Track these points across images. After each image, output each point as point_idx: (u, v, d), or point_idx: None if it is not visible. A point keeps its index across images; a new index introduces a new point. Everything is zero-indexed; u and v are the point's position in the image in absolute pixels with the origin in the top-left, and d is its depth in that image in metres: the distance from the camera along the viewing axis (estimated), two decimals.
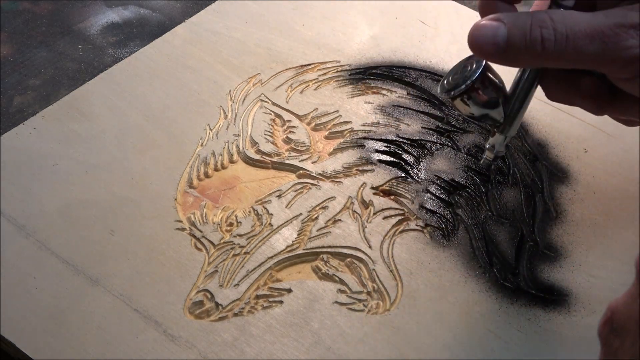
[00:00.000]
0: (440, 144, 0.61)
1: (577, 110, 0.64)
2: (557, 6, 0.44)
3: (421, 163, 0.59)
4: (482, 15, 0.46)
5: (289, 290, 0.51)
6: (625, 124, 0.51)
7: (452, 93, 0.46)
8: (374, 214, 0.56)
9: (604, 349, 0.36)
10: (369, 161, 0.59)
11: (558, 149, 0.61)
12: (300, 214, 0.55)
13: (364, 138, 0.61)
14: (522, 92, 0.47)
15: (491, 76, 0.46)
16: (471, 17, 0.73)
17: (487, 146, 0.50)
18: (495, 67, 0.46)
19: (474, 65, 0.46)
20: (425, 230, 0.55)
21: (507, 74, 0.48)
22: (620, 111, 0.48)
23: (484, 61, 0.46)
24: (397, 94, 0.65)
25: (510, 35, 0.42)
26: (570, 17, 0.41)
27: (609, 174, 0.60)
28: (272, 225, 0.55)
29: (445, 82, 0.47)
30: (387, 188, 0.57)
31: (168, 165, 0.58)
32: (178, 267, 0.52)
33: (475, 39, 0.43)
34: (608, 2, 0.43)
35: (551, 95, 0.48)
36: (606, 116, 0.51)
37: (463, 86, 0.46)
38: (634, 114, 0.47)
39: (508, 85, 0.48)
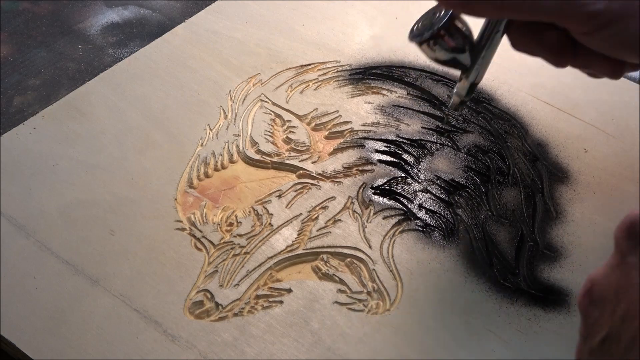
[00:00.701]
0: (440, 144, 0.61)
1: (577, 110, 0.65)
2: None
3: (421, 163, 0.59)
4: None
5: (289, 290, 0.51)
6: (589, 75, 0.52)
7: (419, 38, 0.48)
8: (374, 214, 0.56)
9: (584, 320, 0.36)
10: (369, 161, 0.59)
11: (558, 149, 0.61)
12: (300, 214, 0.55)
13: (364, 138, 0.61)
14: (488, 40, 0.49)
15: (458, 24, 0.48)
16: (471, 17, 0.73)
17: (454, 91, 0.52)
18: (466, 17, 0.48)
19: (442, 13, 0.48)
20: (425, 230, 0.55)
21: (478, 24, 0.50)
22: (582, 65, 0.49)
23: (451, 10, 0.48)
24: (397, 94, 0.65)
25: None
26: None
27: (609, 174, 0.60)
28: (272, 225, 0.55)
29: (414, 27, 0.49)
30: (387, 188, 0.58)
31: (168, 165, 0.58)
32: (178, 267, 0.52)
33: None
34: None
35: (516, 45, 0.49)
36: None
37: (429, 32, 0.48)
38: (594, 67, 0.48)
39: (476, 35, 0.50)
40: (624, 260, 0.34)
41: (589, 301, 0.36)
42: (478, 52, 0.49)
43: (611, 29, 0.43)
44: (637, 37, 0.44)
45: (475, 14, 0.46)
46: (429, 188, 0.58)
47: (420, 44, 0.48)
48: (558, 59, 0.48)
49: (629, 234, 0.34)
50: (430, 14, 0.49)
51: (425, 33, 0.48)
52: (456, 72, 0.68)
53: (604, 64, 0.47)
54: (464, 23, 0.48)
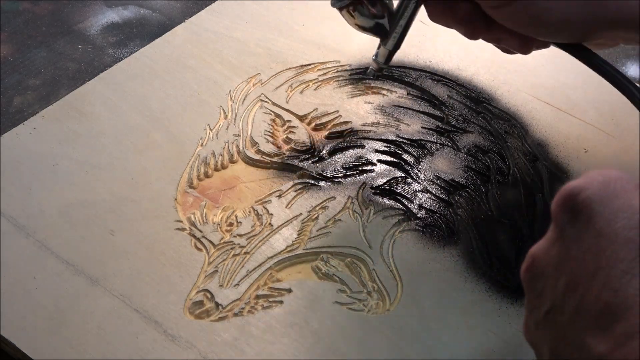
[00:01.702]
0: (440, 144, 0.61)
1: (577, 110, 0.65)
2: None
3: (421, 163, 0.59)
4: None
5: (289, 290, 0.51)
6: (503, 51, 0.53)
7: (340, 3, 0.50)
8: (374, 214, 0.56)
9: (527, 294, 0.36)
10: (369, 161, 0.59)
11: (558, 149, 0.61)
12: (300, 214, 0.55)
13: (364, 138, 0.61)
14: (405, 8, 0.51)
15: None
16: None
17: (373, 57, 0.54)
18: None
19: None
20: (425, 230, 0.55)
21: None
22: (493, 38, 0.50)
23: None
24: (397, 94, 0.65)
25: None
26: None
27: None
28: (272, 225, 0.55)
29: None
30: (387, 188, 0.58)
31: (168, 165, 0.58)
32: (178, 267, 0.52)
33: None
34: None
35: (431, 16, 0.50)
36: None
37: None
38: (505, 42, 0.50)
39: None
40: (562, 234, 0.34)
41: (531, 275, 0.36)
42: (397, 20, 0.51)
43: (516, 5, 0.45)
44: (540, 15, 0.45)
45: None
46: (429, 188, 0.58)
47: (340, 9, 0.50)
48: (471, 31, 0.50)
49: (565, 206, 0.34)
50: None
51: None
52: (456, 73, 0.68)
53: (513, 38, 0.49)
54: None
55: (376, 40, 0.69)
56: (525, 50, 0.50)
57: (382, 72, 0.56)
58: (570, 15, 0.45)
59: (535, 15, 0.45)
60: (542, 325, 0.35)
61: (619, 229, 0.32)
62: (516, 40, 0.49)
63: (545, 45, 0.51)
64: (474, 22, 0.49)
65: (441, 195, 0.57)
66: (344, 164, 0.59)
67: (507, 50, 0.52)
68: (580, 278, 0.33)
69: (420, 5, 0.51)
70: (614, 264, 0.31)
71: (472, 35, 0.50)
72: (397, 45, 0.53)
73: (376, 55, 0.54)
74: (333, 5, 0.51)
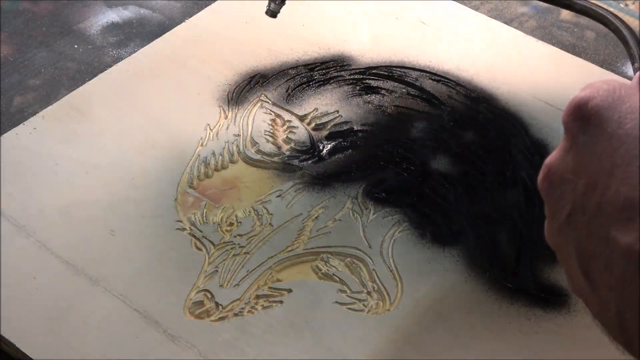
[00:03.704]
0: (440, 144, 0.61)
1: None
2: None
3: (421, 163, 0.59)
4: None
5: (289, 290, 0.51)
6: None
7: None
8: (374, 214, 0.56)
9: (547, 203, 0.38)
10: (369, 161, 0.59)
11: None
12: (301, 214, 0.55)
13: (364, 138, 0.61)
14: None
15: None
16: (471, 17, 0.73)
17: None
18: None
19: None
20: (425, 231, 0.55)
21: None
22: None
23: None
24: (397, 94, 0.65)
25: None
26: None
27: None
28: (272, 225, 0.55)
29: None
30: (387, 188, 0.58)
31: (168, 165, 0.58)
32: (178, 267, 0.52)
33: None
34: None
35: None
36: None
37: None
38: None
39: None
40: (575, 142, 0.36)
41: (548, 183, 0.37)
42: None
43: None
44: None
45: None
46: (429, 188, 0.58)
47: None
48: None
49: (575, 116, 0.36)
50: None
51: None
52: (456, 73, 0.68)
53: None
54: None
55: (377, 39, 0.69)
56: None
57: (278, 10, 0.57)
58: None
59: None
60: (566, 228, 0.36)
61: (629, 129, 0.33)
62: None
63: None
64: None
65: (441, 195, 0.57)
66: (344, 164, 0.59)
67: None
68: (598, 177, 0.34)
69: None
70: (629, 161, 0.33)
71: None
72: None
73: None
74: None
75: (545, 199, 0.38)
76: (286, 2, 0.57)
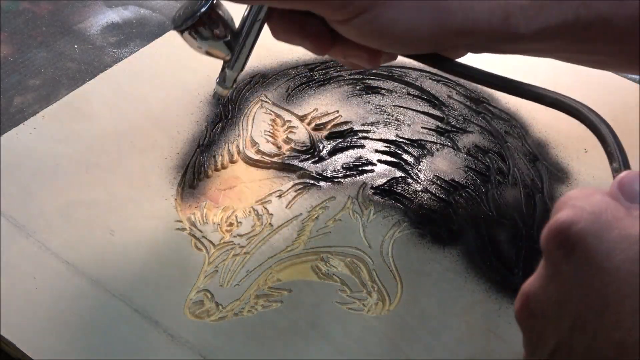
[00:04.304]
0: (440, 144, 0.61)
1: None
2: None
3: (421, 163, 0.59)
4: None
5: (289, 290, 0.51)
6: (349, 66, 0.52)
7: (181, 26, 0.48)
8: (374, 214, 0.56)
9: (526, 335, 0.35)
10: (369, 161, 0.59)
11: (558, 149, 0.61)
12: (301, 214, 0.55)
13: (364, 138, 0.61)
14: (249, 28, 0.49)
15: (219, 11, 0.48)
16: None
17: (216, 80, 0.51)
18: (226, 4, 0.48)
19: (203, 0, 0.48)
20: (425, 231, 0.55)
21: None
22: (340, 53, 0.49)
23: None
24: (397, 94, 0.65)
25: None
26: None
27: (609, 174, 0.60)
28: (272, 225, 0.55)
29: (176, 15, 0.48)
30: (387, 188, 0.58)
31: (168, 165, 0.58)
32: (178, 267, 0.52)
33: None
34: None
35: (276, 35, 0.49)
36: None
37: (190, 20, 0.47)
38: (352, 56, 0.49)
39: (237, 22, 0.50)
40: (557, 271, 0.33)
41: (527, 315, 0.35)
42: (241, 40, 0.49)
43: (363, 17, 0.44)
44: (387, 26, 0.44)
45: (239, 0, 0.46)
46: (429, 188, 0.58)
47: (182, 32, 0.48)
48: (317, 47, 0.49)
49: (558, 242, 0.33)
50: (189, 2, 0.49)
51: (187, 21, 0.47)
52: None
53: (361, 52, 0.48)
54: (225, 11, 0.49)
55: None
56: (374, 63, 0.49)
57: (228, 96, 0.53)
58: (418, 26, 0.44)
59: (381, 27, 0.44)
60: None
61: (619, 263, 0.31)
62: (364, 54, 0.48)
63: (393, 57, 0.50)
64: (319, 38, 0.48)
65: (441, 195, 0.57)
66: (344, 164, 0.59)
67: (355, 65, 0.51)
68: (587, 317, 0.32)
69: (264, 23, 0.49)
70: (621, 300, 0.30)
71: (318, 50, 0.49)
72: (243, 66, 0.51)
73: (222, 79, 0.51)
74: (174, 29, 0.49)
75: (523, 331, 0.35)
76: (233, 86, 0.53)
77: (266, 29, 0.50)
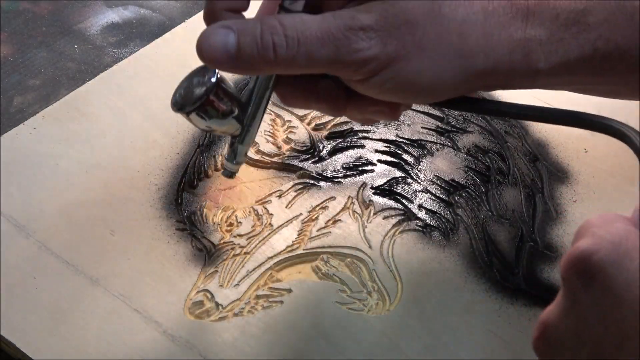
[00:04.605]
0: (440, 144, 0.61)
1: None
2: (285, 11, 0.42)
3: (421, 163, 0.59)
4: (208, 23, 0.43)
5: (289, 290, 0.51)
6: (365, 123, 0.50)
7: (187, 109, 0.44)
8: (374, 214, 0.56)
9: None
10: (369, 161, 0.59)
11: (558, 149, 0.61)
12: (301, 214, 0.55)
13: (364, 138, 0.61)
14: (257, 99, 0.45)
15: (225, 86, 0.44)
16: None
17: (226, 157, 0.47)
18: (225, 74, 0.44)
19: (206, 77, 0.44)
20: (425, 230, 0.55)
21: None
22: (357, 111, 0.47)
23: (216, 71, 0.44)
24: None
25: (241, 42, 0.40)
26: (301, 20, 0.40)
27: (609, 174, 0.60)
28: (272, 226, 0.55)
29: (176, 96, 0.45)
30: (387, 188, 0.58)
31: (168, 165, 0.58)
32: (178, 267, 0.52)
33: (205, 49, 0.41)
34: (334, 3, 0.42)
35: (287, 101, 0.47)
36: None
37: (198, 100, 0.43)
38: (369, 112, 0.47)
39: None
40: (576, 300, 0.33)
41: (545, 344, 0.35)
42: (249, 112, 0.45)
43: (385, 74, 0.42)
44: (410, 80, 0.42)
45: (247, 72, 0.43)
46: (429, 188, 0.58)
47: (188, 114, 0.44)
48: (332, 109, 0.46)
49: (578, 271, 0.33)
50: (191, 79, 0.45)
51: (194, 101, 0.43)
52: None
53: (380, 107, 0.46)
54: (228, 85, 0.45)
55: None
56: (395, 117, 0.47)
57: (237, 171, 0.48)
58: (442, 75, 0.43)
59: (405, 81, 0.42)
60: None
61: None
62: (385, 108, 0.46)
63: (410, 105, 0.49)
64: (334, 99, 0.45)
65: (441, 195, 0.57)
66: (344, 164, 0.59)
67: (371, 121, 0.48)
68: (605, 348, 0.32)
69: (272, 91, 0.45)
70: None
71: (334, 112, 0.47)
72: (253, 139, 0.46)
73: (233, 155, 0.47)
74: (177, 111, 0.44)
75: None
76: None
77: None
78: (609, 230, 0.33)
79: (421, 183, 0.58)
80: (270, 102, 0.63)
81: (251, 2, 0.44)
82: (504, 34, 0.42)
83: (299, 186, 0.57)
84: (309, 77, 0.44)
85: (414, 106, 0.63)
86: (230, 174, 0.48)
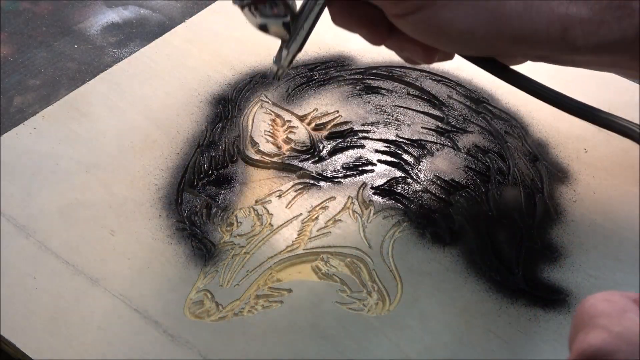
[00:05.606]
0: (440, 144, 0.61)
1: None
2: None
3: (421, 163, 0.59)
4: None
5: (289, 290, 0.51)
6: (406, 60, 0.52)
7: (240, 2, 0.48)
8: (374, 214, 0.56)
9: None
10: (369, 161, 0.59)
11: (558, 149, 0.61)
12: (301, 214, 0.55)
13: (364, 138, 0.61)
14: (309, 11, 0.49)
15: None
16: None
17: (273, 60, 0.52)
18: None
19: None
20: (425, 231, 0.55)
21: None
22: (396, 46, 0.50)
23: None
24: (397, 94, 0.65)
25: None
26: None
27: (609, 174, 0.60)
28: (272, 225, 0.55)
29: None
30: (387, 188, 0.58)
31: (168, 165, 0.58)
32: (178, 267, 0.52)
33: None
34: None
35: (335, 20, 0.49)
36: None
37: None
38: (407, 50, 0.49)
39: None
40: None
41: None
42: (301, 21, 0.49)
43: (421, 14, 0.45)
44: (443, 26, 0.45)
45: None
46: (429, 188, 0.58)
47: (242, 7, 0.49)
48: (374, 37, 0.49)
49: None
50: None
51: None
52: (456, 73, 0.68)
53: (416, 48, 0.48)
54: None
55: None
56: (429, 60, 0.49)
57: (283, 75, 0.54)
58: (474, 29, 0.45)
59: (437, 25, 0.45)
60: None
61: None
62: (419, 49, 0.48)
63: (449, 56, 0.51)
64: (377, 28, 0.48)
65: (441, 195, 0.57)
66: (344, 164, 0.59)
67: (410, 59, 0.51)
68: None
69: (324, 7, 0.49)
70: None
71: (375, 40, 0.49)
72: (300, 48, 0.51)
73: (278, 58, 0.51)
74: (234, 2, 0.49)
75: None
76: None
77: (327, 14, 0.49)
78: (623, 324, 0.32)
79: (421, 183, 0.58)
80: (270, 102, 0.63)
81: None
82: (545, 6, 0.44)
83: (299, 186, 0.57)
84: (358, 2, 0.47)
85: (414, 106, 0.63)
86: (274, 76, 0.53)
